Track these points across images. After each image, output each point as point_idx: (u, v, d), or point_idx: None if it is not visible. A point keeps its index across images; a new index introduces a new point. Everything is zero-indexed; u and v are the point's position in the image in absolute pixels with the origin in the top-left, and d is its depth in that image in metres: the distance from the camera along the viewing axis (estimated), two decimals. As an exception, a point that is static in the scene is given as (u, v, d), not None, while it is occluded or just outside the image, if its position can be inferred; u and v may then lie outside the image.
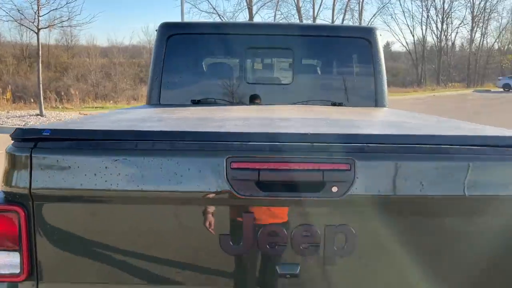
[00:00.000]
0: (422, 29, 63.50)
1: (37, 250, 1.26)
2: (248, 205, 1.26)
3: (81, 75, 36.28)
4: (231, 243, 1.26)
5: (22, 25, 15.00)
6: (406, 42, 53.00)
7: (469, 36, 50.79)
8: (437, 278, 1.29)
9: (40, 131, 1.26)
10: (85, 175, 1.23)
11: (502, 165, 1.28)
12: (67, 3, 12.91)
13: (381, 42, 3.05)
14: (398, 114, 2.39)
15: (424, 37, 49.25)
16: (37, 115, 14.20)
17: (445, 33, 49.37)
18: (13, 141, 1.28)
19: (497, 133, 1.47)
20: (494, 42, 53.06)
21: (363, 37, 2.99)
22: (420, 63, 47.63)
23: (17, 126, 11.41)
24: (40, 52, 13.15)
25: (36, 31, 12.44)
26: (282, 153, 1.25)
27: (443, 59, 48.67)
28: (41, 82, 13.76)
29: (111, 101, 24.89)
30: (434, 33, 49.12)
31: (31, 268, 1.27)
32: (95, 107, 18.99)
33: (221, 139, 1.28)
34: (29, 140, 1.25)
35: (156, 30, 3.02)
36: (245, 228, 1.26)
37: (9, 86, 22.20)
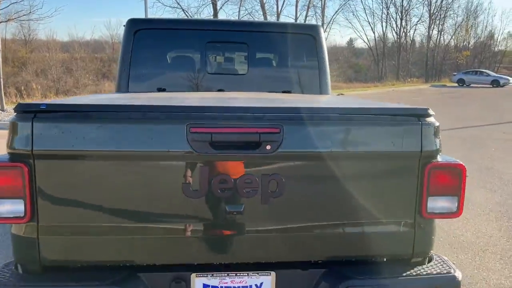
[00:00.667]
0: (382, 26, 65.12)
1: (37, 198, 1.61)
2: (204, 160, 1.65)
3: (40, 70, 35.27)
4: (191, 189, 1.65)
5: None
6: (368, 39, 54.35)
7: (427, 33, 52.70)
8: (341, 208, 1.74)
9: (38, 105, 1.60)
10: (76, 138, 1.58)
11: (380, 128, 1.73)
12: (28, -4, 12.82)
13: (324, 38, 3.48)
14: (326, 97, 2.84)
15: (384, 34, 50.78)
16: (-2, 110, 14.02)
17: (405, 30, 51.07)
18: (15, 113, 1.62)
19: (380, 105, 1.95)
20: (450, 39, 55.14)
21: (308, 34, 3.42)
22: (381, 59, 49.09)
23: (-22, 122, 11.16)
24: (0, 47, 13.00)
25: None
26: (229, 121, 1.64)
27: (403, 55, 50.31)
28: (1, 76, 13.61)
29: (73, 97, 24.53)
30: (394, 30, 50.72)
31: (32, 212, 1.61)
32: (58, 103, 18.72)
33: (183, 111, 1.67)
34: (30, 112, 1.59)
35: (124, 26, 3.35)
36: (202, 178, 1.65)
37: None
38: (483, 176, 6.60)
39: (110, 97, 2.30)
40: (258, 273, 1.76)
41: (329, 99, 2.55)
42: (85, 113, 1.62)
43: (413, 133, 1.72)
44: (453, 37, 54.76)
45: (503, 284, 3.24)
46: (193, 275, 1.73)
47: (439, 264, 1.87)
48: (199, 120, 1.62)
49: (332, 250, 1.80)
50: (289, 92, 3.35)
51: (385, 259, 1.86)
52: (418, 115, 1.74)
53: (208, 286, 1.75)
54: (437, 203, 1.78)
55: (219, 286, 1.75)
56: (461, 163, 1.79)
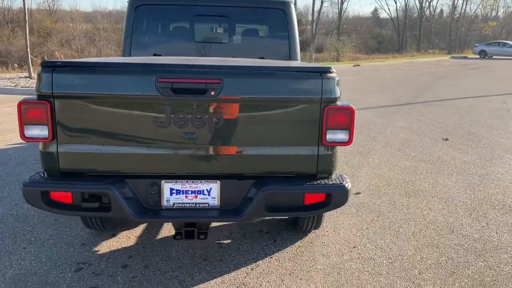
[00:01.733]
0: (405, -5, 63.69)
1: (57, 126, 2.40)
2: (167, 101, 2.40)
3: (65, 40, 36.29)
4: (159, 121, 2.40)
5: None
6: (389, 9, 53.53)
7: (452, 2, 51.51)
8: (264, 137, 2.48)
9: (56, 62, 2.36)
10: (81, 84, 2.35)
11: (293, 80, 2.43)
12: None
13: (294, 13, 4.13)
14: (269, 61, 3.48)
15: (406, 3, 49.91)
16: (26, 77, 15.04)
17: (427, 0, 50.05)
18: (41, 68, 2.39)
19: (295, 64, 2.65)
20: (476, 9, 53.69)
21: (279, 8, 4.08)
22: (402, 30, 48.47)
23: (8, 87, 12.21)
24: (27, 17, 13.88)
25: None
26: (184, 74, 2.38)
27: (426, 26, 49.51)
28: (28, 46, 14.56)
29: (97, 66, 25.37)
30: (417, -1, 49.75)
31: (54, 135, 2.41)
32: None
33: (153, 67, 2.42)
34: (51, 67, 2.35)
35: (127, 1, 4.08)
36: (166, 113, 2.40)
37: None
38: (463, 140, 7.18)
39: (111, 59, 3.06)
40: (208, 181, 2.54)
41: (268, 62, 3.23)
42: (86, 67, 2.39)
43: (316, 84, 2.42)
44: (480, 6, 53.33)
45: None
46: (163, 181, 2.52)
47: (337, 179, 2.60)
48: (163, 73, 2.37)
49: (258, 167, 2.55)
50: (262, 58, 4.04)
51: (297, 174, 2.60)
52: (321, 72, 2.44)
53: (173, 189, 2.53)
54: (333, 135, 2.49)
55: (181, 189, 2.53)
56: (351, 106, 2.50)
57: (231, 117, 2.45)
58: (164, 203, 2.53)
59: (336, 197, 2.54)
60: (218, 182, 2.53)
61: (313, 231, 3.68)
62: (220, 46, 4.14)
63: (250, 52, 4.10)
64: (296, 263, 3.20)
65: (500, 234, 3.74)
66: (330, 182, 2.56)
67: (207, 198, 2.54)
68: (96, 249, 3.35)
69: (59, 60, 2.40)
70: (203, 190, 2.54)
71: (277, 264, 3.18)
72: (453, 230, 3.79)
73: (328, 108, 2.45)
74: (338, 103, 2.50)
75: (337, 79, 2.48)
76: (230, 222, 3.76)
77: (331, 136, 2.49)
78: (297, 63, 2.98)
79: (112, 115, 2.42)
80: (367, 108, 10.37)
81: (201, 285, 2.90)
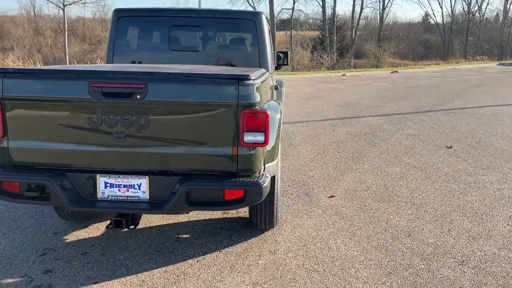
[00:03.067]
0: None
1: (7, 123, 2.76)
2: (99, 103, 2.68)
3: None
4: (92, 121, 2.70)
5: (49, 1, 16.70)
6: (434, 14, 52.02)
7: (503, 6, 49.41)
8: (187, 137, 2.71)
9: (7, 69, 2.72)
10: (28, 88, 2.69)
11: (211, 86, 2.66)
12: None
13: (265, 23, 4.33)
14: (201, 67, 3.66)
15: (453, 9, 48.41)
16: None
17: (477, 4, 48.30)
18: None
19: (215, 71, 2.87)
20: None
21: (249, 19, 4.31)
22: (448, 36, 47.05)
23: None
24: (66, 27, 14.90)
25: (62, 7, 14.09)
26: (114, 80, 2.67)
27: (474, 31, 47.79)
28: (67, 53, 15.58)
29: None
30: (465, 2, 48.16)
31: (4, 132, 2.76)
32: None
33: (86, 73, 2.72)
34: (2, 73, 2.71)
35: (111, 14, 4.45)
36: (98, 114, 2.69)
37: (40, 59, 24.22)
38: (468, 148, 7.07)
39: (53, 67, 3.46)
40: (138, 176, 2.81)
41: (192, 69, 3.45)
42: (32, 74, 2.73)
43: (232, 90, 2.64)
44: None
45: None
46: (98, 175, 2.81)
47: (257, 177, 2.79)
48: (95, 79, 2.67)
49: (183, 165, 2.79)
50: (234, 65, 4.27)
51: (220, 172, 2.81)
52: (238, 79, 2.65)
53: (108, 183, 2.82)
54: (250, 137, 2.69)
55: (114, 183, 2.81)
56: (266, 111, 2.69)
57: (156, 119, 2.71)
58: (100, 195, 2.82)
59: (252, 193, 2.74)
60: (147, 177, 2.80)
61: (271, 229, 3.86)
62: (195, 54, 4.42)
63: (221, 59, 4.35)
64: (241, 257, 3.40)
65: (457, 240, 3.76)
66: (248, 180, 2.75)
67: (137, 192, 2.81)
68: (65, 237, 3.70)
69: (10, 67, 2.76)
70: (134, 185, 2.81)
71: (223, 258, 3.39)
72: (410, 234, 3.85)
73: (244, 112, 2.65)
74: (257, 107, 2.69)
75: (256, 85, 2.68)
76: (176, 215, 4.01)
77: (248, 137, 2.69)
78: (220, 69, 3.21)
79: (53, 115, 2.75)
80: (383, 115, 10.32)
81: (145, 272, 3.16)
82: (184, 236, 3.78)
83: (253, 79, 2.69)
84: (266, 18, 4.45)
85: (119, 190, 2.81)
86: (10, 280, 3.02)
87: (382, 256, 3.45)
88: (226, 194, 2.75)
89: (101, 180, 2.81)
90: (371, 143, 7.38)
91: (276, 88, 4.75)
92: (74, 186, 2.82)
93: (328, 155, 6.61)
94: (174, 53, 4.39)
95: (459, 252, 3.54)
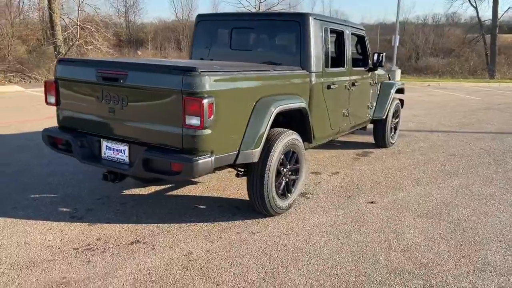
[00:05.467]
0: None
1: (60, 96, 3.93)
2: (101, 85, 3.57)
3: None
4: (98, 98, 3.61)
5: (247, 9, 18.88)
6: None
7: None
8: (149, 115, 3.34)
9: (60, 59, 3.88)
10: (68, 72, 3.82)
11: (164, 75, 3.22)
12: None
13: (311, 24, 4.53)
14: (178, 60, 4.10)
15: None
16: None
17: None
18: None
19: (166, 62, 3.40)
20: None
21: (295, 20, 4.58)
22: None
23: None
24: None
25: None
26: (109, 68, 3.53)
27: None
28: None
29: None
30: None
31: (57, 102, 3.94)
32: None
33: (95, 63, 3.65)
34: (58, 61, 3.88)
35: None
36: (101, 93, 3.57)
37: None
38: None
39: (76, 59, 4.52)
40: (123, 143, 3.60)
41: (160, 61, 3.90)
42: (70, 62, 3.83)
43: (179, 79, 3.16)
44: None
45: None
46: (102, 139, 3.73)
47: (197, 156, 3.22)
48: (100, 67, 3.58)
49: (148, 138, 3.41)
50: (280, 64, 4.62)
51: (174, 147, 3.33)
52: (183, 70, 3.16)
53: (108, 146, 3.68)
54: (190, 120, 3.16)
55: (111, 147, 3.66)
56: (204, 100, 3.11)
57: (132, 99, 3.45)
58: (103, 155, 3.74)
59: (186, 168, 3.21)
60: (128, 145, 3.58)
61: (277, 217, 4.16)
62: (248, 52, 4.92)
63: (268, 58, 4.74)
64: (221, 230, 3.86)
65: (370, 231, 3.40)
66: (192, 156, 3.21)
67: (123, 156, 3.62)
68: (111, 193, 4.81)
69: (62, 58, 3.91)
70: (121, 150, 3.62)
71: (210, 227, 3.92)
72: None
73: (186, 98, 3.16)
74: (200, 95, 3.13)
75: (206, 76, 3.13)
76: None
77: (188, 120, 3.19)
78: (185, 62, 3.69)
79: (79, 92, 3.79)
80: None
81: (144, 225, 3.97)
82: (201, 207, 4.43)
83: (202, 72, 3.15)
84: (318, 19, 4.64)
85: (113, 152, 3.67)
86: (64, 209, 4.25)
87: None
88: (172, 166, 3.30)
89: (103, 143, 3.73)
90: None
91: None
92: (89, 146, 3.82)
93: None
94: (234, 52, 5.02)
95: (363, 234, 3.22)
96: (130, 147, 3.56)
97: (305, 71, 4.49)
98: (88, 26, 21.75)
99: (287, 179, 4.22)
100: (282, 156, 4.03)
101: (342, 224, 4.08)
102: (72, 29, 21.13)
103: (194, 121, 3.15)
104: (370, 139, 7.37)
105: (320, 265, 3.30)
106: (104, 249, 3.47)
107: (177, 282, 3.02)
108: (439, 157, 6.72)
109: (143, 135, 3.48)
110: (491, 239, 3.82)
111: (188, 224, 3.98)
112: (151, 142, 3.45)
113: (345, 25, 5.39)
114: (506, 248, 3.66)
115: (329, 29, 4.89)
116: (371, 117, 6.55)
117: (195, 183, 5.15)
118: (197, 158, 3.20)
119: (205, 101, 3.11)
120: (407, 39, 39.45)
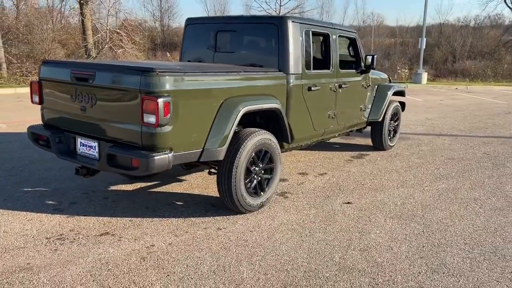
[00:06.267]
0: None
1: (43, 96, 4.20)
2: (74, 85, 3.79)
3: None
4: (72, 97, 3.85)
5: (268, 13, 18.98)
6: None
7: None
8: (113, 113, 3.54)
9: (43, 60, 4.15)
10: (49, 73, 4.09)
11: (124, 75, 3.40)
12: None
13: (289, 27, 4.61)
14: (142, 61, 4.27)
15: None
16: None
17: None
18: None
19: (126, 64, 3.56)
20: None
21: (274, 23, 4.69)
22: None
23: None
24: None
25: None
26: (80, 68, 3.74)
27: None
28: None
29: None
30: None
31: (41, 101, 4.21)
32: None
33: (70, 65, 3.89)
34: (42, 63, 4.16)
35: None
36: (74, 92, 3.81)
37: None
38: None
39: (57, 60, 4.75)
40: (94, 140, 3.80)
41: (120, 62, 4.06)
42: (51, 63, 4.08)
43: (138, 79, 3.34)
44: None
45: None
46: (77, 136, 3.95)
47: (156, 152, 3.38)
48: (73, 68, 3.81)
49: (114, 135, 3.60)
50: (261, 66, 4.74)
51: (136, 144, 3.51)
52: (141, 71, 3.34)
53: (82, 142, 3.90)
54: (147, 118, 3.33)
55: (84, 143, 3.89)
56: (160, 99, 3.25)
57: (100, 98, 3.65)
58: (78, 151, 3.97)
59: (141, 164, 3.37)
60: (97, 142, 3.79)
61: (248, 214, 4.28)
62: (230, 54, 5.05)
63: (248, 60, 4.87)
64: (190, 225, 4.02)
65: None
66: (149, 154, 3.38)
67: (94, 152, 3.83)
68: (94, 188, 5.05)
69: (45, 60, 4.18)
70: (92, 146, 3.83)
71: (179, 222, 4.08)
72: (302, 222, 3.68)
73: (143, 97, 3.33)
74: (156, 95, 3.30)
75: (162, 77, 3.29)
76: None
77: (146, 118, 3.36)
78: (149, 63, 3.84)
79: (58, 91, 4.04)
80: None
81: (115, 217, 4.18)
82: (178, 203, 4.60)
83: (159, 72, 3.32)
84: (298, 22, 4.73)
85: (86, 149, 3.90)
86: (50, 202, 4.52)
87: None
88: (132, 162, 3.48)
89: (78, 140, 3.96)
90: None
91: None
92: (66, 142, 4.06)
93: None
94: (218, 54, 5.17)
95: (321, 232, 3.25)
96: (100, 144, 3.76)
97: (282, 73, 4.59)
98: (118, 30, 22.50)
99: (259, 178, 4.32)
100: (253, 155, 4.14)
101: (310, 222, 4.14)
102: (102, 33, 21.90)
103: (151, 119, 3.32)
104: (370, 141, 7.35)
105: (273, 261, 3.39)
106: (74, 239, 3.68)
107: (130, 271, 3.18)
108: (435, 160, 6.64)
109: (110, 132, 3.67)
110: (456, 242, 3.80)
111: (160, 219, 4.15)
112: (117, 139, 3.64)
113: (332, 28, 5.45)
114: (469, 251, 3.63)
115: (311, 32, 4.96)
116: (366, 120, 6.55)
117: (180, 180, 5.33)
118: (154, 154, 3.36)
119: (160, 100, 3.26)
120: (443, 42, 38.66)
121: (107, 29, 21.63)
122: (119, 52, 21.40)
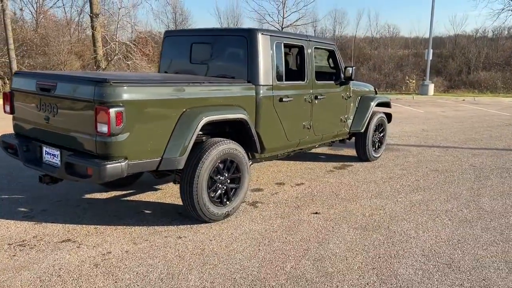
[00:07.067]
0: None
1: (14, 105, 4.33)
2: (39, 95, 3.91)
3: (377, 65, 39.78)
4: (37, 107, 3.97)
5: (269, 23, 19.25)
6: None
7: None
8: (70, 122, 3.64)
9: (15, 72, 4.29)
10: (19, 83, 4.21)
11: (84, 86, 3.51)
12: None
13: (258, 39, 4.68)
14: (108, 73, 4.34)
15: None
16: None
17: None
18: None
19: (87, 75, 3.68)
20: None
21: (243, 36, 4.77)
22: None
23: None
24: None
25: (280, 29, 16.24)
26: (44, 79, 3.87)
27: None
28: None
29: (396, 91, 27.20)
30: None
31: (12, 111, 4.35)
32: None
33: (35, 75, 4.01)
34: (14, 74, 4.30)
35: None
36: (39, 101, 3.92)
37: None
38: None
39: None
40: (57, 149, 3.90)
41: (80, 73, 4.23)
42: (21, 74, 4.22)
43: (91, 90, 3.43)
44: None
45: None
46: (43, 145, 4.06)
47: (110, 161, 3.45)
48: (38, 79, 3.93)
49: (72, 144, 3.70)
50: (233, 77, 4.82)
51: (91, 153, 3.60)
52: (96, 81, 3.44)
53: (47, 151, 4.00)
54: (101, 127, 3.42)
55: (49, 152, 3.99)
56: (111, 109, 3.34)
57: (61, 108, 3.76)
58: (44, 159, 4.08)
59: (94, 172, 3.45)
60: (59, 150, 3.89)
61: (212, 223, 4.32)
62: (204, 66, 5.15)
63: (218, 71, 4.96)
64: (151, 233, 4.08)
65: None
66: (104, 161, 3.46)
67: (57, 160, 3.93)
68: (69, 197, 5.15)
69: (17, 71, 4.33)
70: (55, 155, 3.94)
71: (142, 230, 4.15)
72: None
73: (97, 107, 3.43)
74: (110, 105, 3.40)
75: (115, 87, 3.38)
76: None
77: (100, 128, 3.45)
78: (105, 74, 3.94)
79: (26, 102, 4.17)
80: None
81: (79, 224, 4.27)
82: (146, 211, 4.67)
83: (113, 83, 3.41)
84: (268, 34, 4.80)
85: (50, 157, 4.00)
86: (22, 209, 4.63)
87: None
88: (87, 170, 3.57)
89: (44, 149, 4.07)
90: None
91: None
92: (33, 151, 4.17)
93: None
94: (193, 65, 5.27)
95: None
96: (62, 152, 3.87)
97: (250, 84, 4.65)
98: (128, 42, 22.95)
99: (225, 188, 4.37)
100: (217, 165, 4.20)
101: (272, 232, 4.16)
102: (112, 44, 22.34)
103: (104, 128, 3.41)
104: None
105: (224, 269, 3.42)
106: (35, 245, 3.77)
107: (80, 278, 3.25)
108: (418, 172, 6.60)
109: (70, 141, 3.77)
110: (414, 254, 3.78)
111: (124, 226, 4.22)
112: (76, 147, 3.74)
113: (307, 40, 5.51)
114: (424, 263, 3.61)
115: (282, 44, 5.03)
116: (348, 130, 6.56)
117: (155, 189, 5.41)
118: (106, 163, 3.45)
119: (112, 110, 3.35)
120: (458, 53, 38.41)
121: (116, 41, 22.03)
122: (128, 63, 21.81)
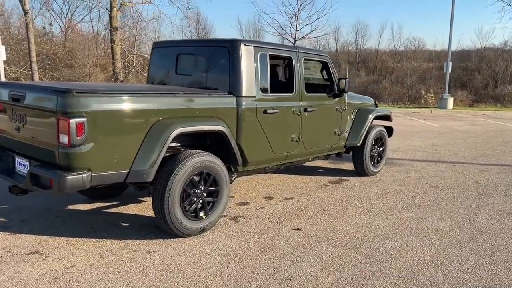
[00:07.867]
0: None
1: None
2: (11, 105, 3.90)
3: (400, 78, 39.26)
4: (10, 117, 3.95)
5: (284, 37, 19.20)
6: None
7: None
8: (39, 134, 3.59)
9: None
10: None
11: (47, 96, 3.47)
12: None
13: (240, 50, 4.57)
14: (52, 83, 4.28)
15: None
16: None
17: None
18: None
19: (51, 85, 3.64)
20: None
21: (224, 46, 4.68)
22: None
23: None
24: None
25: (293, 42, 16.17)
26: (16, 89, 3.85)
27: None
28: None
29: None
30: None
31: None
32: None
33: (8, 85, 4.01)
34: None
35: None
36: (11, 111, 3.92)
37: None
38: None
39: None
40: (27, 159, 3.87)
41: (52, 83, 4.16)
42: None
43: (54, 100, 3.37)
44: None
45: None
46: (15, 155, 4.04)
47: (70, 173, 3.38)
48: (10, 89, 3.92)
49: (38, 155, 3.65)
50: (216, 89, 4.71)
51: (54, 164, 3.54)
52: (59, 91, 3.37)
53: (19, 162, 3.97)
54: (62, 138, 3.36)
55: (21, 162, 3.95)
56: (72, 120, 3.28)
57: (29, 118, 3.73)
58: (16, 169, 4.05)
59: (55, 183, 3.38)
60: (29, 161, 3.85)
61: (185, 238, 4.21)
62: (188, 77, 5.08)
63: (202, 82, 4.87)
64: (124, 246, 3.99)
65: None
66: (57, 172, 3.41)
67: (26, 171, 3.90)
68: (50, 207, 5.11)
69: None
70: (25, 165, 3.90)
71: (115, 243, 4.06)
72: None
73: (58, 118, 3.38)
74: (71, 115, 3.34)
75: (77, 98, 3.32)
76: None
77: (61, 138, 3.38)
78: (69, 85, 3.87)
79: (2, 113, 4.15)
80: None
81: (57, 236, 4.21)
82: (123, 224, 4.59)
83: (76, 93, 3.36)
84: (251, 45, 4.70)
85: (21, 167, 3.97)
86: (1, 219, 4.62)
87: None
88: (50, 181, 3.50)
89: (16, 159, 4.04)
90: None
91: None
92: (6, 161, 4.15)
93: None
94: (178, 76, 5.21)
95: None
96: (30, 163, 3.83)
97: (231, 95, 4.55)
98: (145, 55, 23.31)
99: (200, 201, 4.25)
100: (191, 177, 4.09)
101: (246, 249, 4.01)
102: (130, 56, 22.73)
103: (65, 139, 3.35)
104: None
105: (184, 287, 3.29)
106: (1, 257, 3.72)
107: (35, 292, 3.17)
108: (416, 188, 6.34)
109: (37, 152, 3.73)
110: (391, 275, 3.57)
111: (97, 239, 4.14)
112: (42, 158, 3.69)
113: (296, 52, 5.39)
114: (399, 285, 3.40)
115: (268, 55, 4.92)
116: (343, 144, 6.37)
117: (140, 201, 5.33)
118: (66, 174, 3.38)
119: (72, 121, 3.30)
120: (484, 66, 37.55)
121: (134, 54, 22.39)
122: (146, 75, 22.17)
